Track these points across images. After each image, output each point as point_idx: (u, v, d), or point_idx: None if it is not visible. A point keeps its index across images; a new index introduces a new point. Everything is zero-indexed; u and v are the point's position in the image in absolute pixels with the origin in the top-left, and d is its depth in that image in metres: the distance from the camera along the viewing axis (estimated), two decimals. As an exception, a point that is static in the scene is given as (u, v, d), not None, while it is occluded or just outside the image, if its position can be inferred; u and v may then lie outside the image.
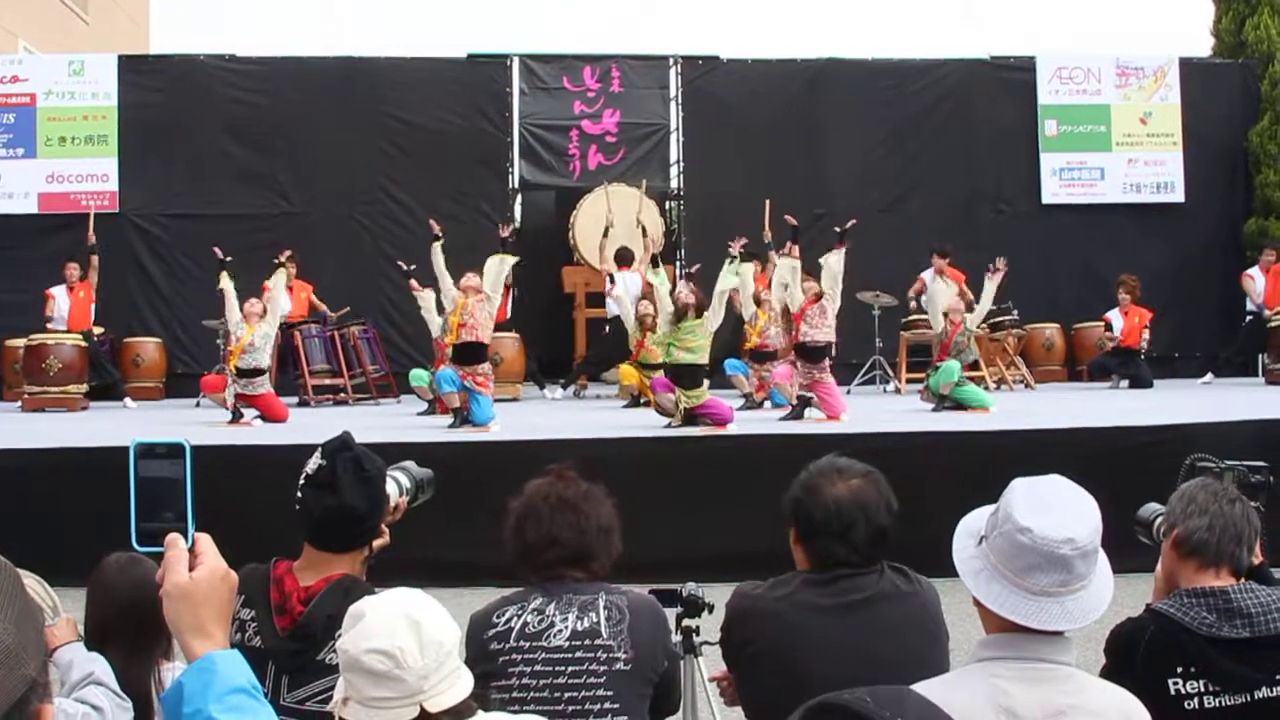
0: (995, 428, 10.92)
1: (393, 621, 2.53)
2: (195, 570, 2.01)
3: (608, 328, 15.83)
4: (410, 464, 3.88)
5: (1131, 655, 3.42)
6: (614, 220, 17.22)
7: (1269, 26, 20.22)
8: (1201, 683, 3.36)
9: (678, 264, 19.24)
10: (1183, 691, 3.36)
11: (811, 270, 13.04)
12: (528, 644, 3.49)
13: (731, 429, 10.90)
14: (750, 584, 3.73)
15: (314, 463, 3.53)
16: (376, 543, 3.64)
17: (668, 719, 3.89)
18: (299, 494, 3.53)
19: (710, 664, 4.08)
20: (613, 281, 16.37)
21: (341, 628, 2.64)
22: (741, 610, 3.66)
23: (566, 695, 3.44)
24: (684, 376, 11.24)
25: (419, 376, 14.24)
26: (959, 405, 12.68)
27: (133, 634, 3.80)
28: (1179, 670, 3.37)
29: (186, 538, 2.04)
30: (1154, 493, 3.97)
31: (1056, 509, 2.71)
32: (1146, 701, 2.80)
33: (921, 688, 2.52)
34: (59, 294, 16.47)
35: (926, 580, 3.70)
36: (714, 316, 11.42)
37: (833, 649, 3.44)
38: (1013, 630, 2.71)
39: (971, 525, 2.92)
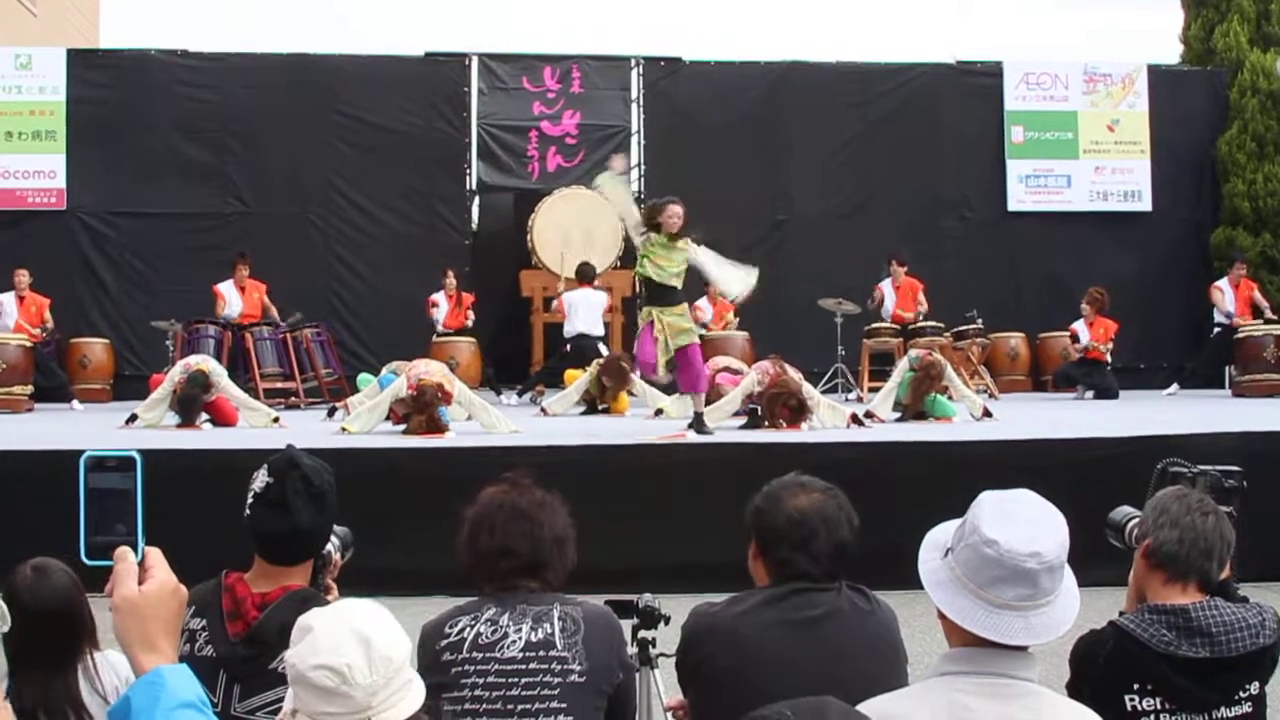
0: (959, 438, 10.82)
1: (341, 637, 2.49)
2: (145, 584, 2.01)
3: (569, 346, 15.66)
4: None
5: (1091, 668, 3.47)
6: (575, 233, 17.15)
7: (1238, 34, 20.33)
8: (1157, 700, 3.40)
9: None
10: (1139, 708, 3.41)
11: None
12: (481, 655, 3.45)
13: (691, 437, 10.68)
14: (706, 603, 3.71)
15: (261, 480, 3.52)
16: (330, 567, 3.71)
17: (622, 731, 3.83)
18: (248, 511, 3.51)
19: (666, 675, 4.04)
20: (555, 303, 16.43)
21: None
22: (698, 629, 3.64)
23: (520, 707, 3.42)
24: (655, 294, 10.92)
25: (366, 381, 14.03)
26: (922, 415, 12.52)
27: (56, 644, 3.70)
28: (1135, 687, 3.41)
29: (136, 551, 2.05)
30: (1120, 504, 3.98)
31: (1024, 522, 2.69)
32: (1104, 716, 2.81)
33: (883, 700, 2.76)
34: (7, 301, 16.32)
35: (884, 601, 3.71)
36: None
37: (789, 666, 3.42)
38: (976, 644, 2.69)
39: (938, 538, 2.89)
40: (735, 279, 11.10)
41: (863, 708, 2.67)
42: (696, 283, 16.69)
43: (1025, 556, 2.61)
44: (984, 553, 2.65)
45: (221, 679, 3.34)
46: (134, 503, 2.08)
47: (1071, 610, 2.71)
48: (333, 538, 3.72)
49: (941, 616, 2.78)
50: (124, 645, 2.00)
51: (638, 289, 11.37)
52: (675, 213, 10.77)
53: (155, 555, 2.06)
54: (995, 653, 2.66)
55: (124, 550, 2.02)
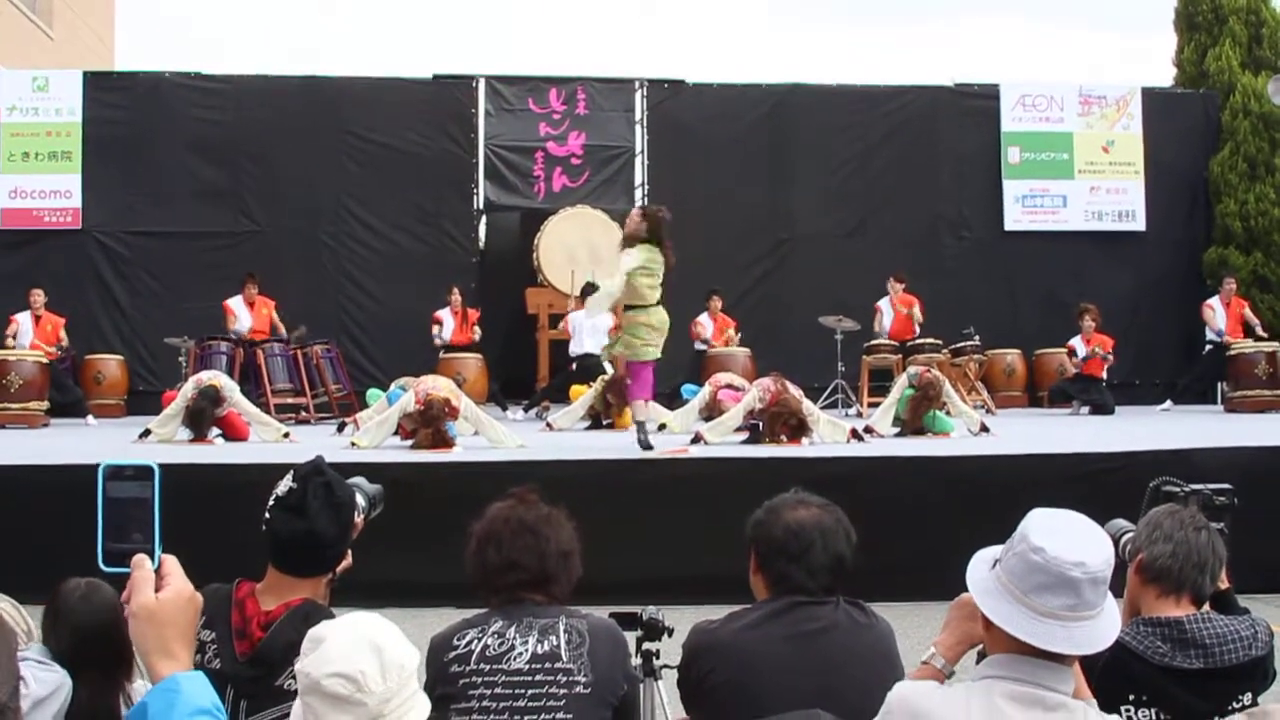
0: (957, 453, 10.80)
1: (354, 645, 2.52)
2: (161, 592, 2.02)
3: (574, 365, 15.86)
4: (361, 479, 3.87)
5: (1087, 680, 3.26)
6: (581, 251, 17.35)
7: (1230, 57, 20.48)
8: (1153, 711, 3.43)
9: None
10: (1135, 719, 3.42)
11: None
12: (488, 666, 3.46)
13: (694, 451, 10.85)
14: (706, 620, 3.75)
15: (285, 485, 3.55)
16: (339, 566, 3.67)
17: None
18: (267, 515, 3.54)
19: (670, 686, 4.02)
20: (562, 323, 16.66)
21: (300, 653, 2.62)
22: (700, 646, 3.67)
23: (526, 718, 3.42)
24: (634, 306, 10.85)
25: (375, 396, 14.18)
26: (921, 430, 12.68)
27: (102, 662, 3.60)
28: (1131, 698, 3.43)
29: (153, 559, 2.05)
30: (1116, 518, 3.98)
31: (1070, 535, 2.75)
32: (1100, 728, 2.82)
33: (921, 693, 2.83)
34: (23, 320, 16.47)
35: (881, 615, 3.74)
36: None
37: (788, 680, 3.46)
38: (1017, 652, 2.73)
39: (987, 554, 2.94)
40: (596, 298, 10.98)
41: (901, 689, 2.86)
42: (699, 298, 16.92)
43: (1071, 565, 2.66)
44: (1031, 559, 2.70)
45: (229, 693, 3.33)
46: (151, 511, 2.09)
47: (1113, 630, 2.76)
48: (358, 496, 3.72)
49: (987, 624, 2.82)
50: (141, 652, 2.02)
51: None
52: (632, 217, 10.76)
53: (172, 563, 2.08)
54: (1034, 662, 2.70)
55: (141, 558, 2.05)
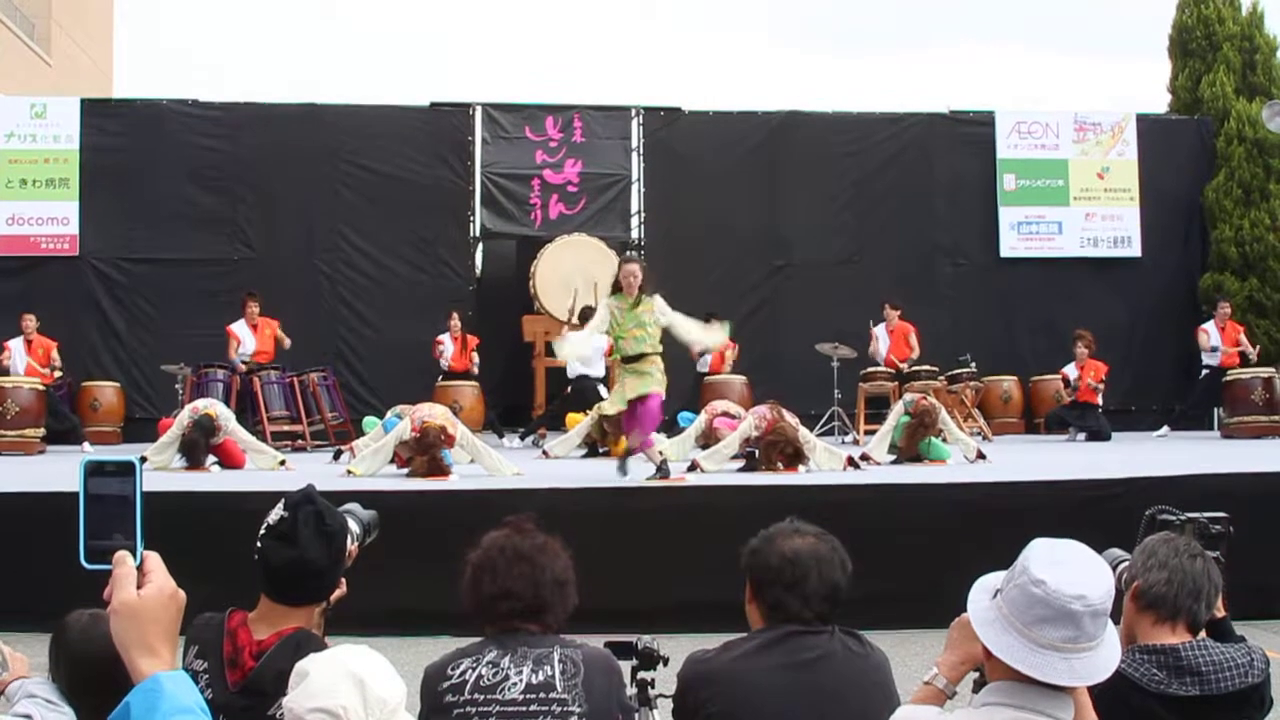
0: (953, 480, 10.79)
1: (336, 680, 2.54)
2: (144, 588, 1.98)
3: (570, 388, 15.85)
4: (355, 506, 3.88)
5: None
6: (577, 279, 17.35)
7: (1224, 84, 20.57)
8: None
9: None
10: None
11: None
12: (482, 696, 3.44)
13: (690, 479, 10.85)
14: (700, 649, 3.75)
15: (276, 513, 3.56)
16: (333, 595, 3.68)
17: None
18: (259, 543, 3.53)
19: (665, 716, 3.97)
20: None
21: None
22: (695, 676, 3.67)
23: None
24: (630, 359, 10.58)
25: (372, 424, 14.16)
26: (917, 457, 12.67)
27: (99, 694, 3.43)
28: None
29: (135, 556, 2.01)
30: (1114, 545, 3.98)
31: (1072, 567, 2.75)
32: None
33: (925, 715, 2.90)
34: (16, 347, 16.48)
35: (877, 645, 3.74)
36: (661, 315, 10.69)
37: (784, 710, 3.47)
38: (1018, 679, 2.73)
39: (988, 582, 2.96)
40: (708, 334, 11.07)
41: (904, 712, 2.91)
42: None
43: (1071, 598, 2.67)
44: (1031, 592, 2.71)
45: None
46: (133, 508, 2.03)
47: (1113, 661, 2.76)
48: (352, 523, 3.73)
49: (987, 653, 2.83)
50: (122, 649, 1.96)
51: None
52: (629, 271, 10.31)
53: (154, 560, 2.03)
54: (1034, 689, 2.71)
55: (123, 554, 1.99)
